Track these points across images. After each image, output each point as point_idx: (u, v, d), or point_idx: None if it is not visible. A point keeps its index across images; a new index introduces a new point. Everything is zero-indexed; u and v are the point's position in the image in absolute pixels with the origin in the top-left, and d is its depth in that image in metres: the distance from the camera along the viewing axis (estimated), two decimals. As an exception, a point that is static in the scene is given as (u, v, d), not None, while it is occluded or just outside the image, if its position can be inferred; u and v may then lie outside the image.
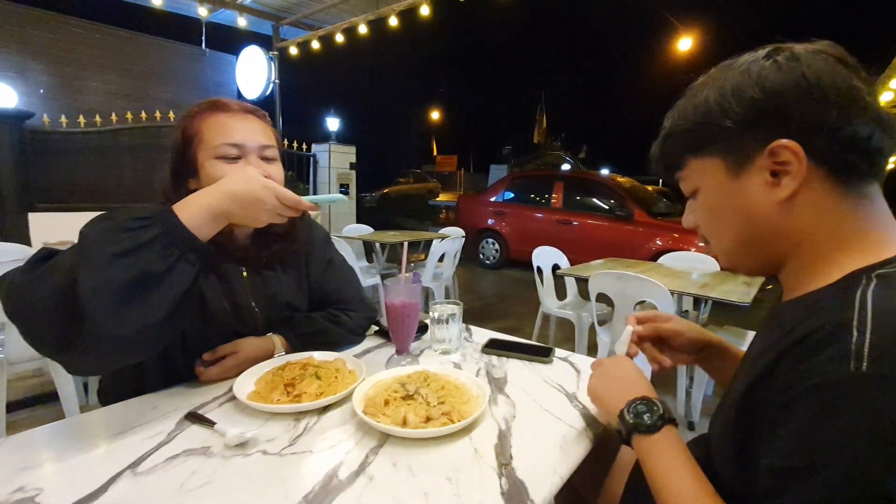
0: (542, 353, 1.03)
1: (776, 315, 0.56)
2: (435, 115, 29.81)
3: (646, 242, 5.35)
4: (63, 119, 4.30)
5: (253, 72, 5.98)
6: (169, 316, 0.66)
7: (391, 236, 4.14)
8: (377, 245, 4.17)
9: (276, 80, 6.00)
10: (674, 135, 0.58)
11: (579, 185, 6.58)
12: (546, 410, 0.79)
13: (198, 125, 0.86)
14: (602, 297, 2.35)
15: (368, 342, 1.12)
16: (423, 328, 1.14)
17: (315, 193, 6.29)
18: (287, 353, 0.95)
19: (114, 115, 4.62)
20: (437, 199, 16.33)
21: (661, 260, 3.15)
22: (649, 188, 7.59)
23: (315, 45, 6.26)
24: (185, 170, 0.87)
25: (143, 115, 4.81)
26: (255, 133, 0.88)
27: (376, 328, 1.18)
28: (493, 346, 1.07)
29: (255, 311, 0.95)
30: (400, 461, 0.63)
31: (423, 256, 4.72)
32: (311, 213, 0.82)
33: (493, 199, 7.03)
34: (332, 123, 6.97)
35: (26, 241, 3.63)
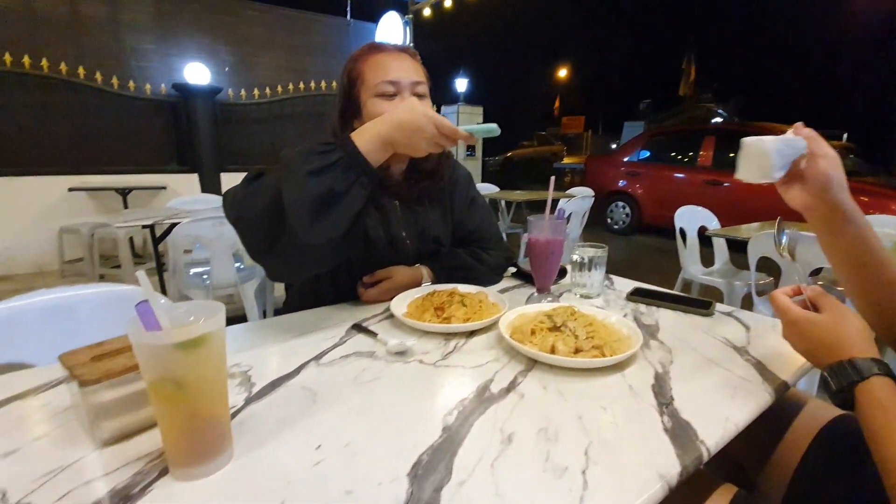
0: (700, 306, 0.92)
1: None
2: (562, 72, 27.97)
3: (823, 207, 4.42)
4: (242, 92, 5.08)
5: (390, 37, 6.25)
6: (345, 233, 0.74)
7: (517, 195, 4.09)
8: (502, 203, 4.17)
9: (411, 44, 6.19)
10: None
11: (735, 139, 5.64)
12: (710, 360, 0.71)
13: (360, 67, 0.95)
14: (763, 265, 2.01)
15: (506, 282, 1.13)
16: (561, 273, 1.11)
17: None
18: (433, 284, 1.01)
19: (279, 87, 5.30)
20: (562, 161, 15.59)
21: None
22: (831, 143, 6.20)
23: (447, 2, 6.26)
24: (350, 110, 0.96)
25: (302, 85, 5.44)
26: (409, 70, 0.94)
27: (514, 269, 1.18)
28: (640, 295, 0.99)
29: (405, 242, 1.02)
30: (550, 386, 0.63)
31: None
32: (467, 143, 0.83)
33: (626, 159, 6.45)
34: (461, 84, 7.01)
35: (220, 193, 4.45)
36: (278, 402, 0.58)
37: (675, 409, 0.57)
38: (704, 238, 2.69)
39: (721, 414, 0.56)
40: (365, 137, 0.75)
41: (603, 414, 0.56)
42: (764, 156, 0.64)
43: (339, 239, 0.73)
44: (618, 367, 0.67)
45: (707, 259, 2.79)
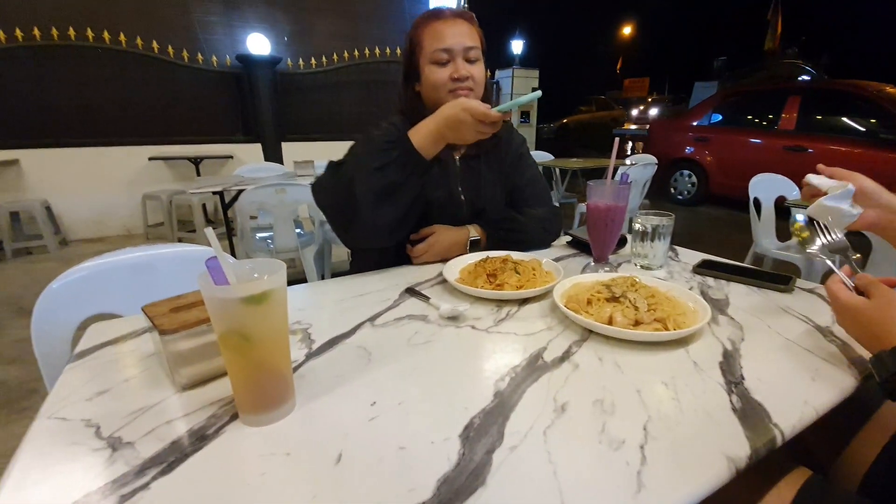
0: (778, 281, 0.84)
1: None
2: (626, 30, 25.93)
3: (931, 177, 3.88)
4: (301, 62, 5.18)
5: (446, 1, 6.05)
6: (405, 215, 0.89)
7: (572, 163, 3.92)
8: (556, 172, 4.02)
9: (465, 5, 5.97)
10: None
11: (824, 99, 5.02)
12: (788, 339, 0.65)
13: (419, 34, 1.01)
14: (851, 239, 1.80)
15: (561, 251, 1.09)
16: (621, 242, 1.06)
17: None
18: (481, 238, 1.03)
19: (335, 55, 5.34)
20: (623, 127, 14.71)
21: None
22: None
23: (502, -40, 5.92)
24: (411, 74, 1.05)
25: (357, 53, 5.44)
26: (463, 36, 0.99)
27: (569, 238, 1.14)
28: (708, 267, 0.93)
29: (461, 198, 1.07)
30: (606, 357, 0.60)
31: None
32: (502, 119, 0.88)
33: (695, 124, 5.95)
34: (516, 46, 6.69)
35: (281, 162, 4.65)
36: (336, 359, 0.61)
37: (746, 388, 0.53)
38: (781, 210, 2.46)
39: (799, 396, 0.52)
40: (420, 135, 0.86)
41: (664, 389, 0.53)
42: (830, 211, 0.70)
43: (401, 219, 0.88)
44: (681, 342, 0.64)
45: (782, 233, 2.55)
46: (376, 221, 0.86)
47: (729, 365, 0.58)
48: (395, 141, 0.87)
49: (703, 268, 0.93)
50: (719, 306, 0.77)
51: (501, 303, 0.78)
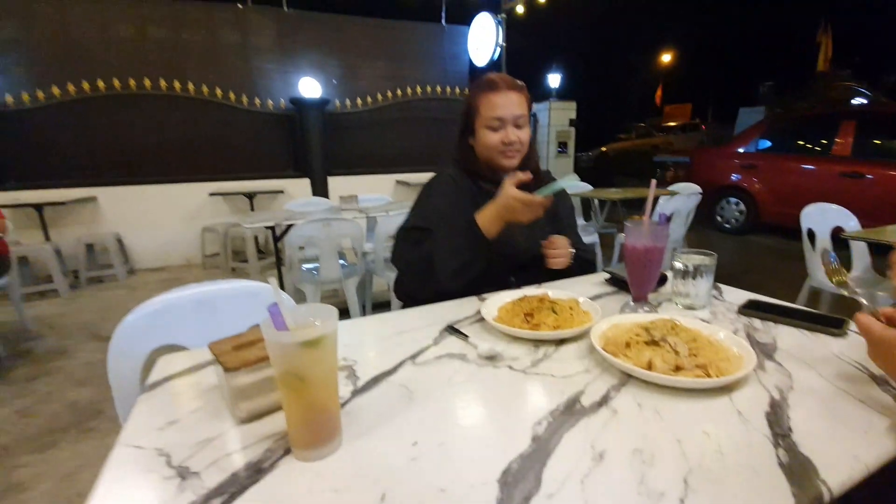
0: (830, 324, 0.81)
1: None
2: (666, 57, 25.66)
3: None
4: (347, 102, 5.52)
5: (483, 38, 6.27)
6: (475, 279, 1.06)
7: (611, 193, 3.87)
8: (595, 202, 3.99)
9: (503, 44, 6.16)
10: None
11: (883, 123, 4.75)
12: (840, 389, 0.63)
13: (477, 101, 1.18)
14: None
15: (599, 288, 1.09)
16: (661, 280, 1.05)
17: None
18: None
19: (379, 95, 5.66)
20: (664, 154, 14.37)
21: None
22: None
23: (540, -2, 6.12)
24: (467, 130, 1.22)
25: (399, 92, 5.74)
26: (513, 106, 1.15)
27: (607, 276, 1.14)
28: (754, 308, 0.90)
29: (518, 235, 1.18)
30: (645, 403, 0.60)
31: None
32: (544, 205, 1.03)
33: (741, 150, 5.76)
34: (553, 80, 6.80)
35: (327, 196, 4.89)
36: (379, 397, 0.64)
37: (794, 441, 0.52)
38: (839, 241, 2.32)
39: (849, 451, 0.50)
40: (485, 222, 1.04)
41: (706, 440, 0.52)
42: None
43: (471, 282, 1.05)
44: (725, 389, 0.62)
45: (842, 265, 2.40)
46: (452, 287, 1.05)
47: (776, 415, 0.57)
48: (467, 229, 1.06)
49: (749, 308, 0.91)
50: (766, 351, 0.75)
51: (538, 343, 0.79)
